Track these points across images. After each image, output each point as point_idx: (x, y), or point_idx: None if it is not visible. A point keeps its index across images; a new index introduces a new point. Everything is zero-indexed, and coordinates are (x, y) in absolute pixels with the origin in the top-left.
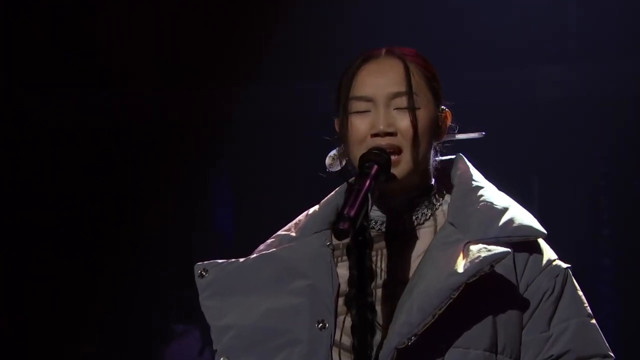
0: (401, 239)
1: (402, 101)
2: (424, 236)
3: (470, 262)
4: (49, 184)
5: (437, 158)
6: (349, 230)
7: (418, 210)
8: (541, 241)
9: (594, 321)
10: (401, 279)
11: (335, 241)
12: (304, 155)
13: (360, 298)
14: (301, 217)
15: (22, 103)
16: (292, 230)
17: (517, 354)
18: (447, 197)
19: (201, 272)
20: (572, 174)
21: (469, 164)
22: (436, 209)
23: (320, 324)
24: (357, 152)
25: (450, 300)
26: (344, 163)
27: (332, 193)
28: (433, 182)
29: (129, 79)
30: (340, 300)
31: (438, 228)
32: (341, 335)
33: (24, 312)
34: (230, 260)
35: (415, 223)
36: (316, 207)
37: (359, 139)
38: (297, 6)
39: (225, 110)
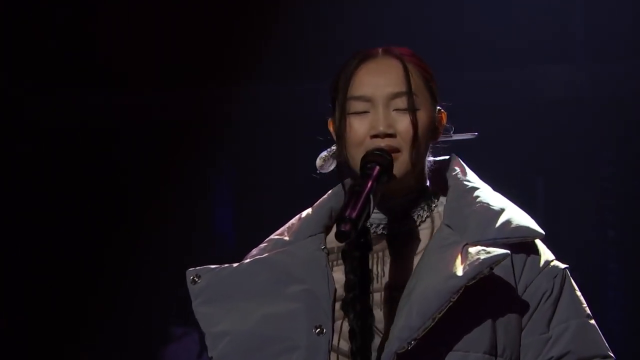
0: (398, 241)
1: (402, 102)
2: (422, 238)
3: (469, 264)
4: (49, 184)
5: (430, 159)
6: (351, 232)
7: (415, 212)
8: (538, 242)
9: (593, 322)
10: (399, 282)
11: (330, 245)
12: (304, 156)
13: (362, 302)
14: (294, 220)
15: (22, 103)
16: (286, 234)
17: (517, 356)
18: (442, 199)
19: (193, 277)
20: (578, 176)
21: (463, 164)
22: (432, 211)
23: (318, 329)
24: (356, 153)
25: (450, 304)
26: (335, 164)
27: (325, 196)
28: (428, 184)
29: (129, 79)
30: (337, 305)
31: (434, 230)
32: (339, 340)
33: (24, 312)
34: (223, 266)
35: (413, 225)
36: (309, 210)
37: (357, 140)
38: (297, 6)
39: (225, 110)
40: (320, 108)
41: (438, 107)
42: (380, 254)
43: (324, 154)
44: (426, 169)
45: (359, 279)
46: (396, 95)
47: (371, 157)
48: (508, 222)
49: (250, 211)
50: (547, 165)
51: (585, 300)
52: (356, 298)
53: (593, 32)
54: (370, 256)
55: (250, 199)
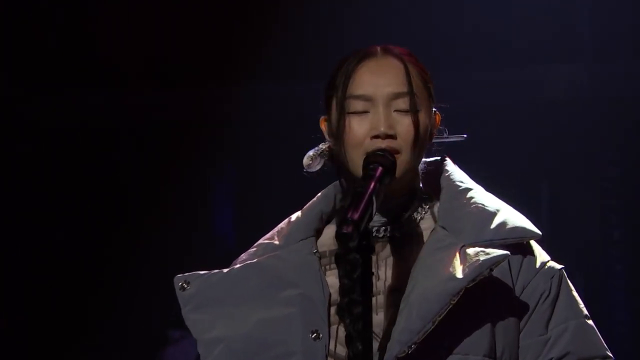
0: (396, 243)
1: (403, 102)
2: (419, 240)
3: (468, 266)
4: (49, 184)
5: (422, 159)
6: (353, 234)
7: (410, 213)
8: (533, 242)
9: (591, 322)
10: (395, 285)
11: (321, 249)
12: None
13: (359, 306)
14: (283, 224)
15: (22, 103)
16: (276, 238)
17: (515, 358)
18: (435, 200)
19: (182, 284)
20: (581, 176)
21: (454, 165)
22: (425, 212)
23: (315, 334)
24: (354, 154)
25: (450, 306)
26: (322, 163)
27: (315, 198)
28: (420, 185)
29: (129, 79)
30: (332, 310)
31: (430, 232)
32: (335, 345)
33: (24, 312)
34: (213, 271)
35: (410, 227)
36: (299, 214)
37: (356, 140)
38: (297, 6)
39: (225, 110)
40: (320, 108)
41: (434, 109)
42: (379, 256)
43: (311, 152)
44: (419, 170)
45: (359, 283)
46: (397, 96)
47: (374, 157)
48: (504, 223)
49: (250, 211)
50: (551, 166)
51: (590, 302)
52: (352, 302)
53: (596, 32)
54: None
55: (250, 200)
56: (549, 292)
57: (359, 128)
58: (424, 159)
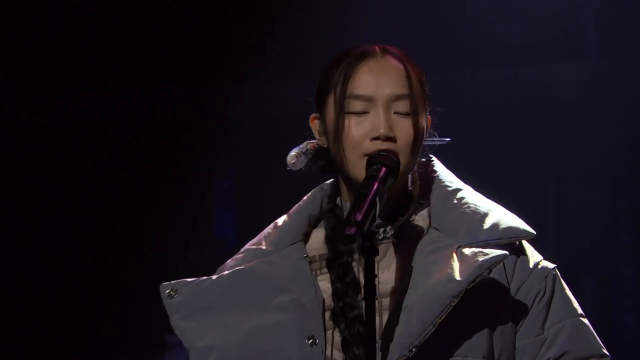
0: (394, 245)
1: (403, 105)
2: (414, 242)
3: (468, 267)
4: (49, 184)
5: None
6: (356, 235)
7: (405, 215)
8: (525, 242)
9: (586, 320)
10: (394, 288)
11: (311, 253)
12: None
13: (367, 309)
14: (269, 229)
15: (22, 103)
16: (263, 243)
17: (513, 359)
18: (426, 201)
19: (169, 292)
20: (590, 177)
21: (442, 165)
22: (418, 214)
23: (311, 340)
24: (352, 154)
25: (450, 308)
26: (306, 161)
27: (301, 202)
28: (410, 187)
29: (128, 78)
30: (326, 315)
31: (424, 234)
32: (332, 350)
33: (23, 312)
34: (201, 278)
35: (407, 229)
36: (285, 218)
37: (355, 142)
38: (297, 5)
39: (225, 110)
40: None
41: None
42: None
43: (294, 151)
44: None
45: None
46: (398, 98)
47: (377, 158)
48: (497, 223)
49: (250, 212)
50: (560, 166)
51: (597, 305)
52: (346, 306)
53: (612, 30)
54: (354, 263)
55: (251, 200)
56: (544, 292)
57: (358, 129)
58: None
